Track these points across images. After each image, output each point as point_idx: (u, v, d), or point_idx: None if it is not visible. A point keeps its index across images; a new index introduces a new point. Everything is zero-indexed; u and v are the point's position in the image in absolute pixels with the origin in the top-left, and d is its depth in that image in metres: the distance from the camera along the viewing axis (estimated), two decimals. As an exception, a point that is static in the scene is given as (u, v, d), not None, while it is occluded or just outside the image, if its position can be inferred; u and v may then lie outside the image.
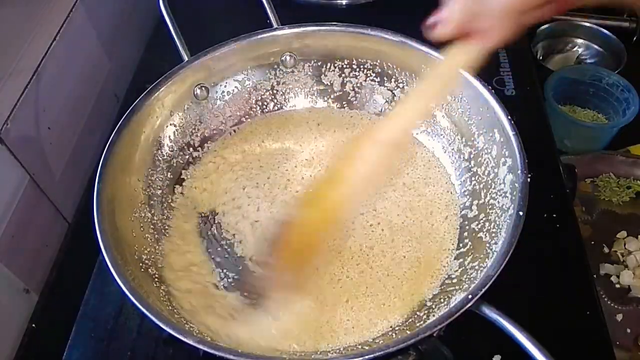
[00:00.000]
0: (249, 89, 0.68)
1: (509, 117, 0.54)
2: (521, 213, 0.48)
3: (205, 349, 0.41)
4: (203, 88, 0.64)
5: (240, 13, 0.86)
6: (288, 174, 0.63)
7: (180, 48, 0.62)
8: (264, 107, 0.69)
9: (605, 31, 1.09)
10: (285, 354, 0.49)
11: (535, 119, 0.73)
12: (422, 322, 0.49)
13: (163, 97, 0.60)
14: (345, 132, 0.67)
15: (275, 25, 0.65)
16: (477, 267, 0.50)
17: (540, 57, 1.13)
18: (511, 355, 0.51)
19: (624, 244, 0.84)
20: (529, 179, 0.50)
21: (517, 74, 0.78)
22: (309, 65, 0.68)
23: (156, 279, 0.51)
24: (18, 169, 0.59)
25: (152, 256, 0.54)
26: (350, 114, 0.69)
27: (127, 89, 0.81)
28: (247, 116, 0.69)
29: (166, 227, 0.58)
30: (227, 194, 0.62)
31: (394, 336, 0.49)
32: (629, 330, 0.75)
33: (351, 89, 0.69)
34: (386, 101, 0.68)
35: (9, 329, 0.58)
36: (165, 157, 0.62)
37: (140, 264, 0.51)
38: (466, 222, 0.58)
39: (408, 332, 0.47)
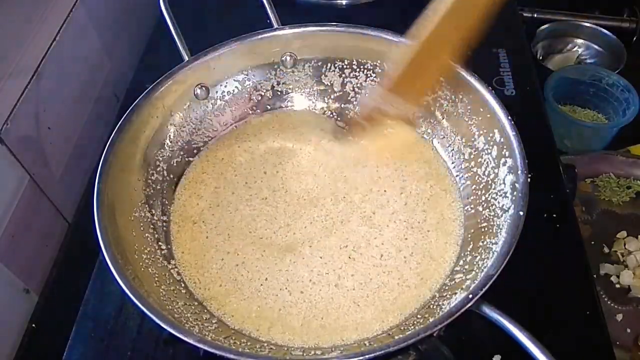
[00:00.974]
0: (249, 89, 0.68)
1: (509, 117, 0.54)
2: (521, 213, 0.48)
3: (206, 348, 0.41)
4: (203, 88, 0.64)
5: (240, 13, 0.86)
6: (288, 173, 0.63)
7: (180, 48, 0.62)
8: (264, 107, 0.69)
9: (605, 31, 1.09)
10: (287, 355, 0.49)
11: (535, 119, 0.73)
12: (422, 322, 0.49)
13: (163, 97, 0.60)
14: (345, 132, 0.67)
15: (275, 25, 0.65)
16: (477, 267, 0.50)
17: (540, 57, 1.13)
18: (511, 355, 0.51)
19: (624, 244, 0.84)
20: (529, 179, 0.50)
21: (517, 74, 0.78)
22: (309, 65, 0.68)
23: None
24: (18, 169, 0.59)
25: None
26: (350, 114, 0.69)
27: (127, 89, 0.81)
28: (247, 116, 0.69)
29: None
30: (227, 194, 0.62)
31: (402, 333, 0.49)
32: (629, 330, 0.75)
33: (351, 89, 0.69)
34: (386, 101, 0.68)
35: (9, 329, 0.58)
36: (165, 157, 0.62)
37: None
38: (466, 222, 0.58)
39: (408, 332, 0.47)
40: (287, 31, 0.65)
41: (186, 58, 0.62)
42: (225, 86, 0.66)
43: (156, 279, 0.51)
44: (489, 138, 0.57)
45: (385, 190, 0.61)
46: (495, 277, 0.44)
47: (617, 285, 0.80)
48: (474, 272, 0.50)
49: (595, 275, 0.80)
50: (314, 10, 0.90)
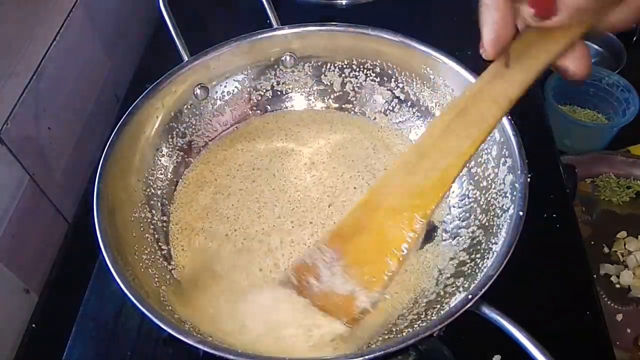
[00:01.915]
0: (249, 89, 0.68)
1: (509, 117, 0.54)
2: (521, 213, 0.48)
3: (205, 349, 0.41)
4: (203, 88, 0.64)
5: (240, 13, 0.86)
6: (288, 174, 0.63)
7: (180, 48, 0.62)
8: (264, 107, 0.69)
9: (605, 31, 1.09)
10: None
11: (535, 119, 0.73)
12: (422, 322, 0.49)
13: (163, 97, 0.60)
14: (344, 132, 0.67)
15: (275, 25, 0.65)
16: (477, 267, 0.50)
17: (540, 57, 1.13)
18: (511, 355, 0.51)
19: (624, 244, 0.84)
20: (529, 179, 0.50)
21: (517, 74, 0.78)
22: (309, 65, 0.68)
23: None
24: (18, 169, 0.59)
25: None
26: (350, 114, 0.69)
27: (127, 89, 0.81)
28: (247, 116, 0.69)
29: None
30: (227, 194, 0.62)
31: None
32: (629, 330, 0.75)
33: (351, 89, 0.69)
34: (386, 101, 0.68)
35: (9, 329, 0.58)
36: (165, 157, 0.62)
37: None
38: (466, 222, 0.58)
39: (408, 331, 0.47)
40: (287, 31, 0.65)
41: (186, 58, 0.62)
42: (225, 86, 0.66)
43: (156, 279, 0.51)
44: (489, 138, 0.57)
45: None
46: (495, 277, 0.44)
47: (617, 285, 0.80)
48: (473, 273, 0.50)
49: (595, 275, 0.80)
50: (314, 10, 0.90)
